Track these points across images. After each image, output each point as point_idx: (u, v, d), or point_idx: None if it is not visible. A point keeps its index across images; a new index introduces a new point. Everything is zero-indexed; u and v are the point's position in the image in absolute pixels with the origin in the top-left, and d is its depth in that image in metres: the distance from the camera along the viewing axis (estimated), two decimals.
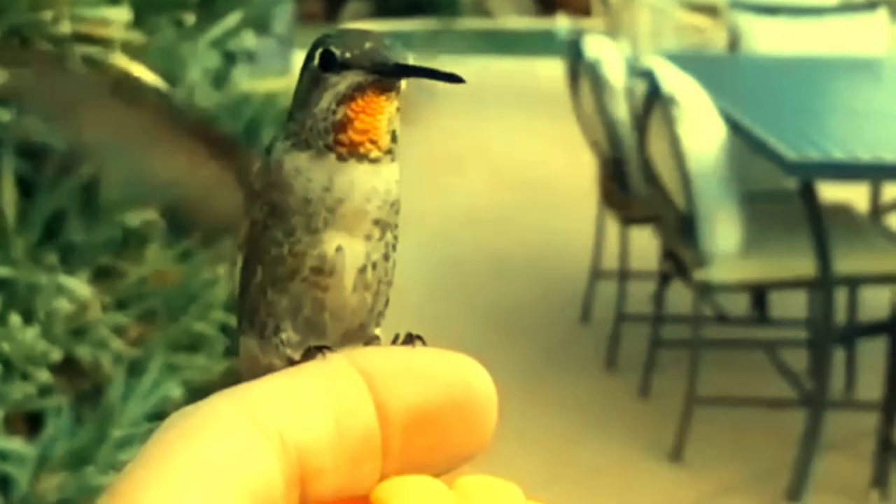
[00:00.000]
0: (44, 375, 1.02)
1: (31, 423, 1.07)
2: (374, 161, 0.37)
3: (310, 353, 0.32)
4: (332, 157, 0.36)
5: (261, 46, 1.26)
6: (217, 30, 1.10)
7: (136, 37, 1.01)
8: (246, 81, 1.16)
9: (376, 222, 0.37)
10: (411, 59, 0.36)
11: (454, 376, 0.23)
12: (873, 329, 2.76)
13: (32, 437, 1.05)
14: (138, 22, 1.01)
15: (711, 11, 5.58)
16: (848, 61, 3.57)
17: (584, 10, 7.74)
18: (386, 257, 0.38)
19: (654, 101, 2.56)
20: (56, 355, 1.03)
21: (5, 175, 1.01)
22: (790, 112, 2.88)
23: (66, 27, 0.95)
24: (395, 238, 0.39)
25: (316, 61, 0.37)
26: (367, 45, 0.37)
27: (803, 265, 2.43)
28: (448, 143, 5.20)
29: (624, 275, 3.16)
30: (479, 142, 5.28)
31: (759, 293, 3.15)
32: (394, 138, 0.37)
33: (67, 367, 1.07)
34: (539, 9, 9.43)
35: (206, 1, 1.11)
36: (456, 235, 4.10)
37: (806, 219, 2.39)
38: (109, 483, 0.21)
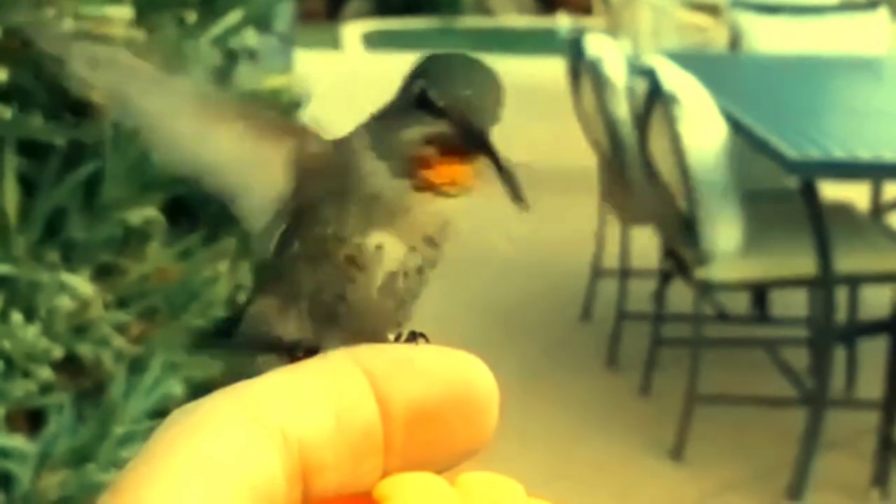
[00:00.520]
0: (45, 373, 1.02)
1: (32, 420, 1.07)
2: (451, 196, 0.38)
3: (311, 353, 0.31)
4: (409, 183, 0.37)
5: (262, 45, 1.26)
6: (219, 28, 1.10)
7: (138, 35, 1.01)
8: (248, 79, 1.16)
9: (428, 239, 0.39)
10: (493, 130, 0.37)
11: (456, 373, 0.23)
12: (874, 328, 2.76)
13: (34, 434, 1.05)
14: (140, 20, 1.01)
15: (712, 10, 5.58)
16: (849, 60, 3.57)
17: (585, 9, 7.74)
18: (420, 271, 0.39)
19: (655, 99, 2.56)
20: (57, 353, 1.03)
21: (7, 172, 1.01)
22: (791, 111, 2.88)
23: (68, 25, 0.95)
24: (436, 258, 0.40)
25: (415, 93, 0.37)
26: (466, 100, 0.37)
27: (804, 264, 2.43)
28: None
29: (625, 273, 3.16)
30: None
31: (759, 292, 3.15)
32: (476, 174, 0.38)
33: (69, 365, 1.07)
34: (540, 7, 9.43)
35: None
36: (455, 235, 4.10)
37: (807, 218, 2.40)
38: (111, 480, 0.21)
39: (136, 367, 1.10)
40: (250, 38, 1.16)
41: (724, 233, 2.46)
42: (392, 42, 7.89)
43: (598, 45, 3.08)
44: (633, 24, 5.67)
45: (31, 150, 1.03)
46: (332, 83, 4.46)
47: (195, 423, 0.22)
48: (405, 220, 0.38)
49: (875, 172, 2.64)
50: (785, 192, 2.64)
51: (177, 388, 1.11)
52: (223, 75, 1.14)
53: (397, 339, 0.33)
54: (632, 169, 2.96)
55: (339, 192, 0.37)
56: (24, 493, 1.02)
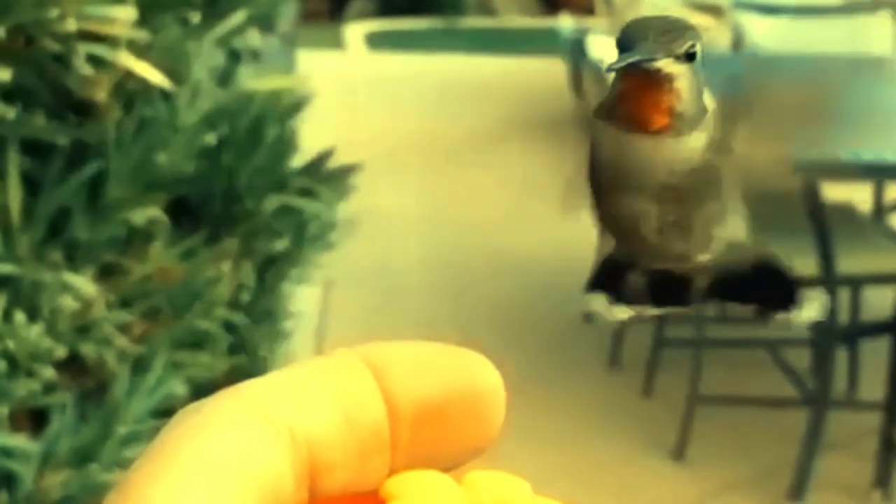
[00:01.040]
0: (48, 373, 1.03)
1: (35, 420, 1.07)
2: (655, 134, 0.44)
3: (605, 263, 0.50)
4: (615, 129, 0.44)
5: (265, 45, 1.26)
6: (222, 28, 1.10)
7: (142, 35, 1.01)
8: (251, 80, 1.17)
9: (665, 191, 0.45)
10: (663, 56, 0.43)
11: (462, 370, 0.23)
12: (876, 329, 2.76)
13: (36, 434, 1.05)
14: (143, 20, 1.01)
15: (715, 11, 5.57)
16: (851, 61, 3.57)
17: (588, 9, 7.73)
18: (684, 218, 0.47)
19: None
20: (60, 352, 1.03)
21: (10, 172, 1.01)
22: None
23: (71, 25, 0.95)
24: (716, 198, 0.47)
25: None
26: (629, 32, 0.44)
27: (806, 264, 2.43)
28: (449, 143, 5.20)
29: None
30: (481, 141, 5.28)
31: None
32: (681, 114, 0.44)
33: (72, 365, 1.08)
34: (543, 8, 9.43)
35: None
36: (458, 235, 4.10)
37: (809, 218, 2.39)
38: (115, 480, 0.21)
39: (139, 366, 1.10)
40: (254, 38, 1.16)
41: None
42: (395, 42, 7.88)
43: (600, 46, 3.08)
44: None
45: (35, 149, 1.03)
46: (335, 83, 4.46)
47: (202, 421, 0.22)
48: (632, 178, 0.47)
49: (878, 173, 2.64)
50: (787, 193, 2.64)
51: (179, 387, 1.11)
52: (226, 75, 1.15)
53: None
54: None
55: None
56: (26, 492, 1.02)
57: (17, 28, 0.96)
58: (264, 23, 1.22)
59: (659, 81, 0.44)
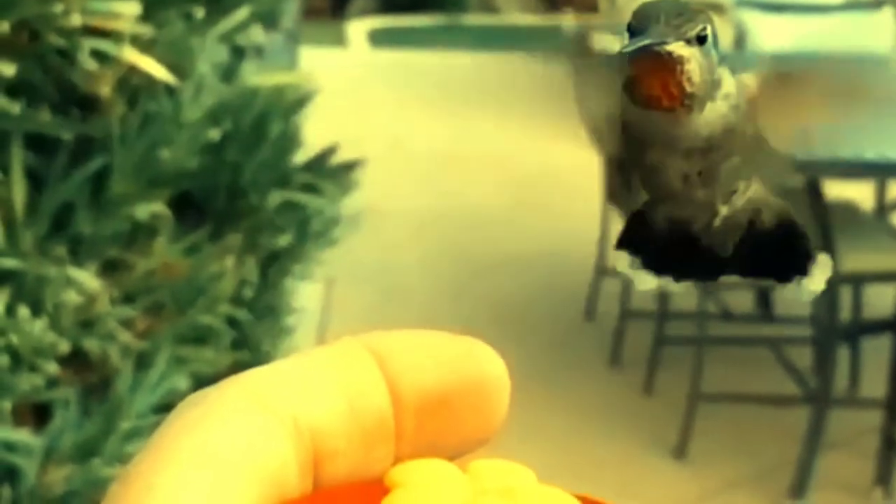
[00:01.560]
0: (52, 367, 1.03)
1: (38, 414, 1.07)
2: (669, 111, 0.46)
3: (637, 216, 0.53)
4: (634, 106, 0.47)
5: (268, 41, 1.27)
6: (226, 24, 1.10)
7: (146, 30, 1.02)
8: (254, 76, 1.17)
9: (689, 151, 0.48)
10: (674, 39, 0.46)
11: (466, 358, 0.23)
12: (878, 327, 2.76)
13: (39, 428, 1.05)
14: (147, 15, 1.01)
15: (717, 8, 5.57)
16: (854, 59, 3.56)
17: (590, 7, 7.73)
18: (707, 171, 0.50)
19: None
20: (64, 347, 1.03)
21: (14, 167, 1.01)
22: None
23: (75, 20, 0.95)
24: (738, 154, 0.50)
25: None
26: (640, 16, 0.46)
27: None
28: (451, 140, 5.20)
29: None
30: (483, 138, 5.28)
31: (763, 290, 3.15)
32: (693, 94, 0.46)
33: (75, 360, 1.08)
34: (545, 5, 9.42)
35: None
36: (460, 233, 4.10)
37: (811, 216, 2.39)
38: (120, 472, 0.21)
39: (142, 361, 1.10)
40: (257, 34, 1.16)
41: None
42: (397, 39, 7.89)
43: (603, 44, 3.08)
44: None
45: (39, 144, 1.04)
46: (338, 80, 4.46)
47: (205, 410, 0.22)
48: (655, 151, 0.50)
49: (881, 171, 2.64)
50: (789, 191, 2.64)
51: (183, 383, 1.11)
52: (230, 71, 1.15)
53: None
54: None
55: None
56: (29, 487, 1.02)
57: (21, 23, 0.96)
58: (268, 19, 1.22)
59: (670, 64, 0.46)
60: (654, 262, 0.56)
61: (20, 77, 0.97)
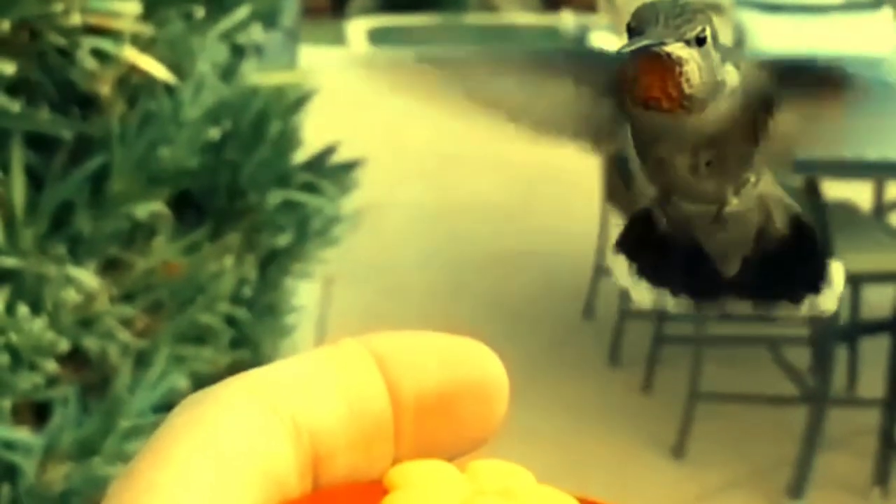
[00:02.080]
0: (51, 366, 1.03)
1: (37, 413, 1.08)
2: (667, 111, 0.46)
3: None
4: (636, 107, 0.47)
5: (268, 40, 1.27)
6: (226, 23, 1.10)
7: (146, 29, 1.02)
8: (254, 75, 1.17)
9: (696, 146, 0.49)
10: (673, 40, 0.46)
11: (466, 359, 0.24)
12: (876, 327, 2.76)
13: (39, 427, 1.05)
14: (148, 14, 1.01)
15: (716, 9, 5.57)
16: (853, 59, 3.56)
17: (590, 7, 7.73)
18: (716, 162, 0.50)
19: None
20: (63, 346, 1.03)
21: (14, 166, 1.01)
22: None
23: (75, 19, 0.95)
24: (747, 145, 0.50)
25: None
26: (639, 16, 0.46)
27: None
28: (451, 140, 5.19)
29: None
30: (482, 138, 5.28)
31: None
32: (692, 96, 0.47)
33: (74, 358, 1.08)
34: (544, 4, 9.42)
35: None
36: (459, 231, 4.10)
37: (810, 216, 2.39)
38: (119, 471, 0.21)
39: (142, 360, 1.10)
40: (257, 33, 1.16)
41: None
42: (397, 38, 7.88)
43: (602, 43, 3.08)
44: None
45: (39, 143, 1.04)
46: (337, 79, 4.45)
47: (206, 410, 0.22)
48: (659, 148, 0.51)
49: (879, 172, 2.64)
50: (788, 191, 2.63)
51: (182, 381, 1.11)
52: (230, 70, 1.15)
53: None
54: (635, 166, 2.95)
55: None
56: (29, 485, 1.02)
57: (21, 22, 0.96)
58: (268, 18, 1.22)
59: (669, 65, 0.45)
60: (653, 271, 0.56)
61: (20, 76, 0.97)
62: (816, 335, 2.76)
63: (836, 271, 0.56)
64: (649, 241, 0.56)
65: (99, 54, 1.00)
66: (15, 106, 0.99)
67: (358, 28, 8.51)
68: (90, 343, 1.07)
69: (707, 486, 2.49)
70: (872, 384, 2.64)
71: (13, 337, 0.99)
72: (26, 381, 1.01)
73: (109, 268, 1.09)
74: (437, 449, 0.23)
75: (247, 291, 1.22)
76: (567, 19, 7.96)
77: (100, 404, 1.06)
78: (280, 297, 1.31)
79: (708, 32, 0.46)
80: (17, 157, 1.01)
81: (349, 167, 1.29)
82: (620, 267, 0.55)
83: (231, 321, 1.20)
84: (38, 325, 1.00)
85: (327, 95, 1.42)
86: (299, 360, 0.23)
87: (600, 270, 3.31)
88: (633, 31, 0.45)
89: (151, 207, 1.09)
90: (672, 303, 0.55)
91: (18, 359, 1.00)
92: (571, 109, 0.54)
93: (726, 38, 4.02)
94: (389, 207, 3.95)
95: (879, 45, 3.76)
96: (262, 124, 1.16)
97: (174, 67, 1.05)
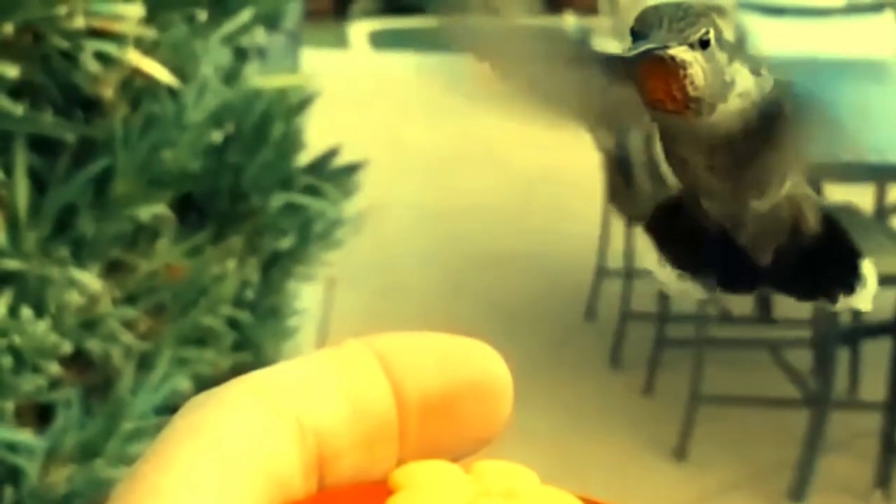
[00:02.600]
0: (54, 368, 1.03)
1: (40, 415, 1.08)
2: (676, 113, 0.47)
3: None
4: (649, 108, 0.47)
5: (271, 43, 1.27)
6: (229, 26, 1.11)
7: (149, 32, 1.02)
8: (257, 78, 1.17)
9: (712, 147, 0.49)
10: (676, 45, 0.46)
11: (470, 360, 0.24)
12: (877, 330, 2.76)
13: (42, 429, 1.05)
14: (151, 18, 1.01)
15: (717, 11, 5.56)
16: (854, 62, 3.56)
17: (591, 9, 7.72)
18: (733, 163, 0.50)
19: None
20: (66, 348, 1.03)
21: (17, 169, 1.01)
22: None
23: (79, 22, 0.95)
24: (766, 146, 0.50)
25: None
26: (643, 20, 0.46)
27: None
28: (452, 140, 5.20)
29: (629, 273, 3.15)
30: (484, 138, 5.28)
31: (763, 293, 3.14)
32: (698, 98, 0.47)
33: (77, 360, 1.08)
34: (546, 7, 9.42)
35: None
36: (460, 232, 4.10)
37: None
38: (121, 475, 0.21)
39: (145, 363, 1.10)
40: (260, 36, 1.16)
41: None
42: (398, 41, 7.88)
43: (604, 46, 3.08)
44: None
45: (42, 146, 1.04)
46: (339, 82, 4.46)
47: (211, 412, 0.22)
48: (677, 148, 0.52)
49: (881, 175, 2.64)
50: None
51: (184, 384, 1.11)
52: (233, 73, 1.15)
53: None
54: (637, 169, 2.96)
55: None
56: (31, 487, 1.02)
57: (25, 25, 0.96)
58: (270, 21, 1.22)
59: (672, 68, 0.46)
60: (685, 257, 0.55)
61: (23, 79, 0.98)
62: (818, 338, 2.76)
63: (869, 271, 0.56)
64: (680, 226, 0.56)
65: (102, 57, 1.00)
66: (18, 109, 0.99)
67: (360, 31, 8.52)
68: (93, 345, 1.07)
69: (708, 488, 2.49)
70: (874, 387, 2.64)
71: (16, 339, 0.99)
72: (29, 383, 1.01)
73: (112, 270, 1.09)
74: (442, 449, 0.23)
75: (249, 294, 1.23)
76: (569, 22, 7.96)
77: (102, 406, 1.07)
78: (282, 299, 1.31)
79: (712, 35, 0.46)
80: (21, 159, 1.01)
81: (351, 170, 1.30)
82: (654, 257, 0.55)
83: (233, 324, 1.20)
84: (42, 327, 1.00)
85: (329, 98, 1.42)
86: (303, 361, 0.23)
87: (602, 272, 3.31)
88: (636, 34, 0.45)
89: (154, 210, 1.09)
90: (698, 293, 0.55)
91: (21, 361, 1.00)
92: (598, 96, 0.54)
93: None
94: (389, 207, 3.95)
95: (881, 48, 3.75)
96: (265, 127, 1.16)
97: (177, 70, 1.05)
